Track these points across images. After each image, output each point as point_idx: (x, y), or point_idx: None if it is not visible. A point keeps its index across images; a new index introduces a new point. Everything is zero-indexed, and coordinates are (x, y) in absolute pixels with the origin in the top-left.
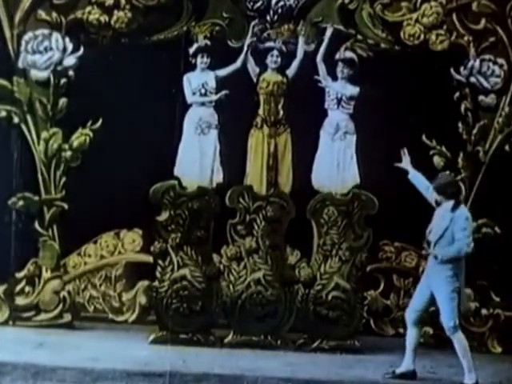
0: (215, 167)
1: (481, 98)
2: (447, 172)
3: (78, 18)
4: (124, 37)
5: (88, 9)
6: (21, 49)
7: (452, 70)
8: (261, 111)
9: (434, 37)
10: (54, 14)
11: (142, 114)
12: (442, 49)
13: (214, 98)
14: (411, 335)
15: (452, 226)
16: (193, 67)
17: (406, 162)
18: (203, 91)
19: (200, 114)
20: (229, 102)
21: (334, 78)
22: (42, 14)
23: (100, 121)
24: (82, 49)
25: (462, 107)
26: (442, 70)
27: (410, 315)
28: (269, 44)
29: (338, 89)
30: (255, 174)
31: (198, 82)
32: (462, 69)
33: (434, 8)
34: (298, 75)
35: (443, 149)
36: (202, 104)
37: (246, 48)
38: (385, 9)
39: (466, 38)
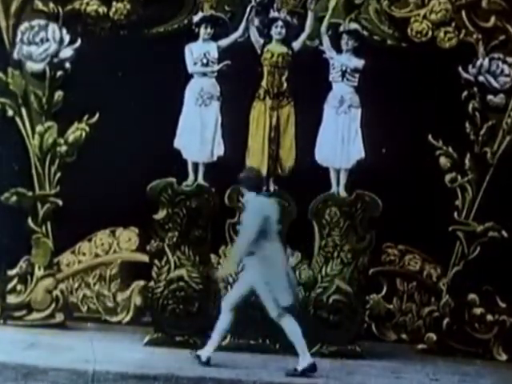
0: (216, 140)
1: (489, 97)
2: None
3: (76, 9)
4: (123, 29)
5: None
6: (16, 40)
7: (460, 69)
8: (264, 83)
9: (442, 34)
10: (51, 5)
11: (140, 109)
12: (450, 46)
13: (216, 68)
14: None
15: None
16: (195, 37)
17: None
18: (205, 61)
19: (202, 84)
20: (231, 73)
21: (339, 50)
22: (38, 4)
23: (97, 115)
24: (79, 40)
25: (470, 107)
26: (450, 69)
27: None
28: (273, 14)
29: (343, 61)
30: (257, 148)
31: (200, 51)
32: (470, 67)
33: (442, 4)
34: (304, 48)
35: (450, 149)
36: (204, 74)
37: (247, 13)
38: (392, 4)
39: (474, 36)
